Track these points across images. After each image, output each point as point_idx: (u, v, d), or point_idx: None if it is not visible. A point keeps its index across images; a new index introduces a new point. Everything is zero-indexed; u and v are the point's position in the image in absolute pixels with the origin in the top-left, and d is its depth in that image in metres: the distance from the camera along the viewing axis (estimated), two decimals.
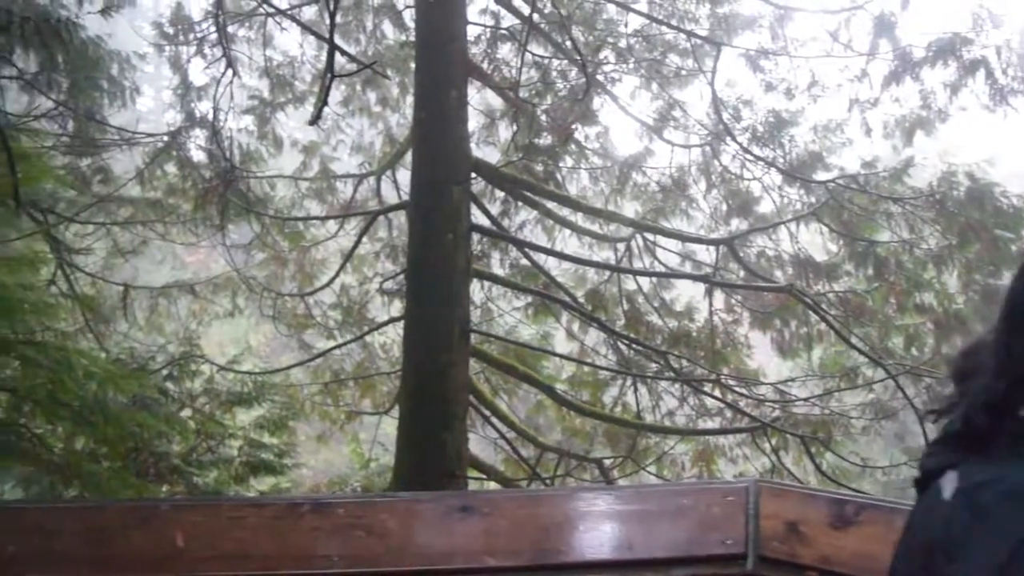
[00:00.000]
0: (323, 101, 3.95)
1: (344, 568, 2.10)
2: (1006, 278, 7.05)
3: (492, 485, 6.88)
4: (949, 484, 1.02)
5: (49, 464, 4.77)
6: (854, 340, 6.76)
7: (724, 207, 7.93)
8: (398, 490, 5.80)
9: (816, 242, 7.65)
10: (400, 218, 8.03)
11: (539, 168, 7.33)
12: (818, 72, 7.62)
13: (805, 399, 6.76)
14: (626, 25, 7.84)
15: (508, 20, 7.71)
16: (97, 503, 3.32)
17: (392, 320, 7.28)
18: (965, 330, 6.82)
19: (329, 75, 3.78)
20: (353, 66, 6.39)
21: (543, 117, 7.56)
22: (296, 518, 2.15)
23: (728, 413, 6.95)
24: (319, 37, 6.09)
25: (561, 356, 7.57)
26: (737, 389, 6.91)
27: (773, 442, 6.67)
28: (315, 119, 4.25)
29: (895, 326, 7.00)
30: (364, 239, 7.76)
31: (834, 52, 7.41)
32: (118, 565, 2.01)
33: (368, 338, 8.11)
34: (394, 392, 7.59)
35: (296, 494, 7.25)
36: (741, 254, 7.13)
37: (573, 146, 7.92)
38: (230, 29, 7.68)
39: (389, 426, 7.94)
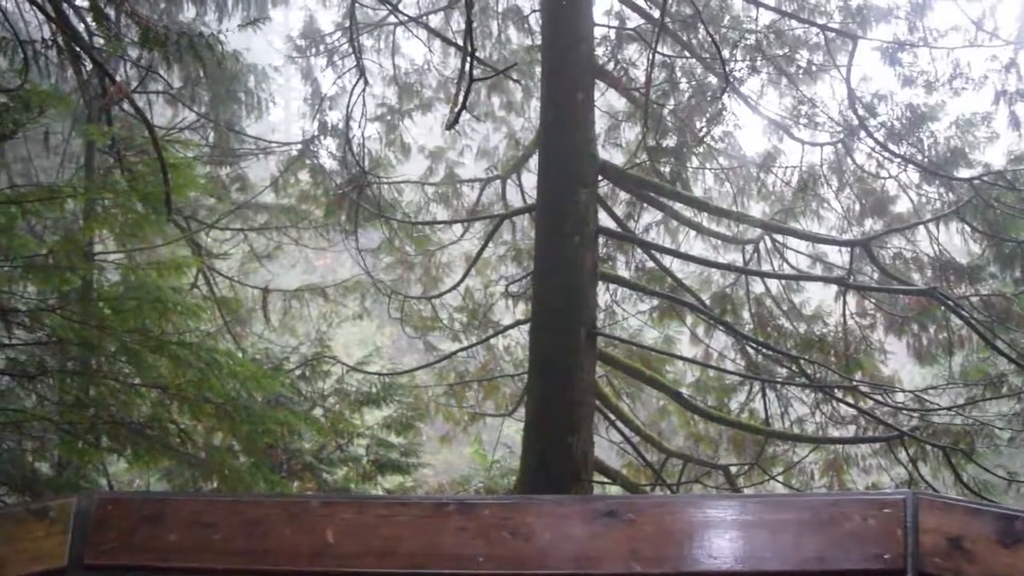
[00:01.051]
0: (461, 106, 4.04)
1: (490, 569, 2.14)
2: None
3: (616, 489, 6.86)
4: None
5: (192, 458, 5.04)
6: (1000, 345, 6.38)
7: (857, 207, 7.64)
8: (523, 492, 5.85)
9: (956, 243, 7.27)
10: (524, 221, 8.11)
11: (665, 169, 7.25)
12: (961, 63, 7.25)
13: (947, 408, 6.42)
14: (755, 21, 7.67)
15: (634, 20, 7.68)
16: (252, 498, 3.49)
17: (517, 323, 7.36)
18: None
19: (466, 81, 3.85)
20: (485, 71, 6.49)
21: (669, 117, 7.49)
22: (443, 517, 2.21)
23: (862, 421, 6.68)
24: (452, 44, 6.23)
25: (688, 360, 7.46)
26: (872, 396, 6.63)
27: (910, 452, 6.37)
28: (452, 124, 4.35)
29: None
30: (489, 243, 7.87)
31: (978, 41, 7.05)
32: (271, 558, 2.11)
33: (492, 341, 8.22)
34: (517, 394, 7.66)
35: (445, 494, 7.40)
36: (876, 256, 6.84)
37: (700, 146, 7.80)
38: (360, 39, 7.94)
39: (511, 428, 8.03)
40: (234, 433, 5.16)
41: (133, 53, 5.87)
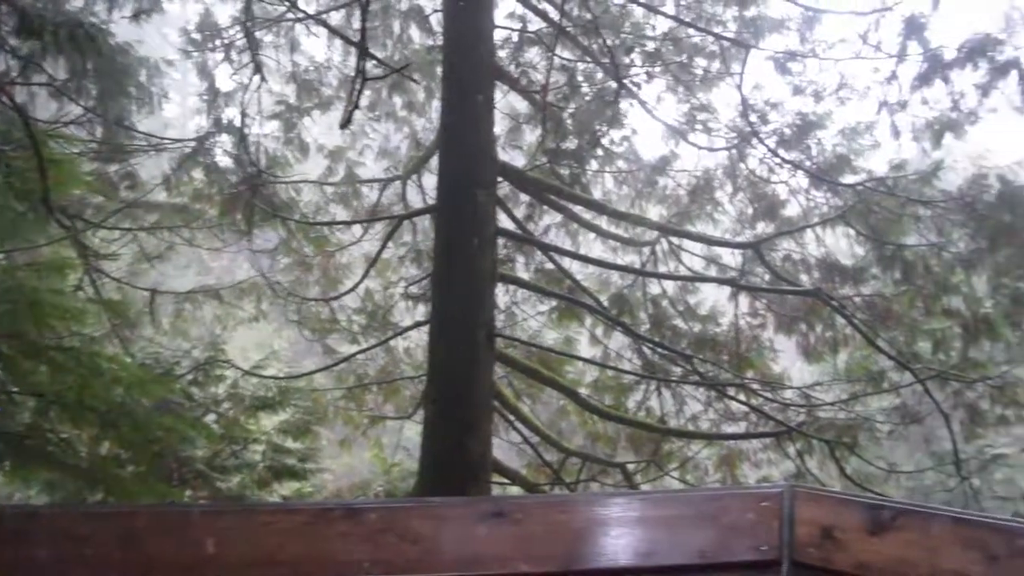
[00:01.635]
0: (354, 105, 3.98)
1: (377, 574, 2.10)
2: None
3: (515, 490, 6.88)
4: None
5: (75, 469, 4.81)
6: (881, 344, 6.69)
7: (750, 210, 7.88)
8: (422, 495, 5.80)
9: (842, 246, 7.58)
10: (425, 222, 8.06)
11: (564, 172, 7.32)
12: (847, 74, 7.56)
13: (831, 403, 6.69)
14: (654, 28, 7.83)
15: (535, 24, 7.72)
16: (128, 508, 3.34)
17: (417, 324, 7.30)
18: (993, 334, 6.73)
19: (360, 79, 3.79)
20: (382, 70, 6.41)
21: (569, 121, 7.56)
22: (327, 523, 2.15)
23: (752, 417, 6.90)
24: (348, 42, 6.14)
25: (585, 360, 7.55)
26: (762, 393, 6.85)
27: (798, 446, 6.62)
28: (345, 123, 4.27)
29: (922, 330, 6.92)
30: (389, 244, 7.78)
31: (863, 54, 7.34)
32: (149, 571, 2.02)
33: (392, 343, 8.13)
34: (417, 397, 7.60)
35: (327, 499, 7.27)
36: (767, 258, 7.08)
37: (599, 150, 7.91)
38: (257, 35, 7.75)
39: (412, 431, 7.96)
40: (120, 442, 4.95)
41: (14, 43, 5.56)
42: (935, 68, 7.19)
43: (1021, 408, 6.80)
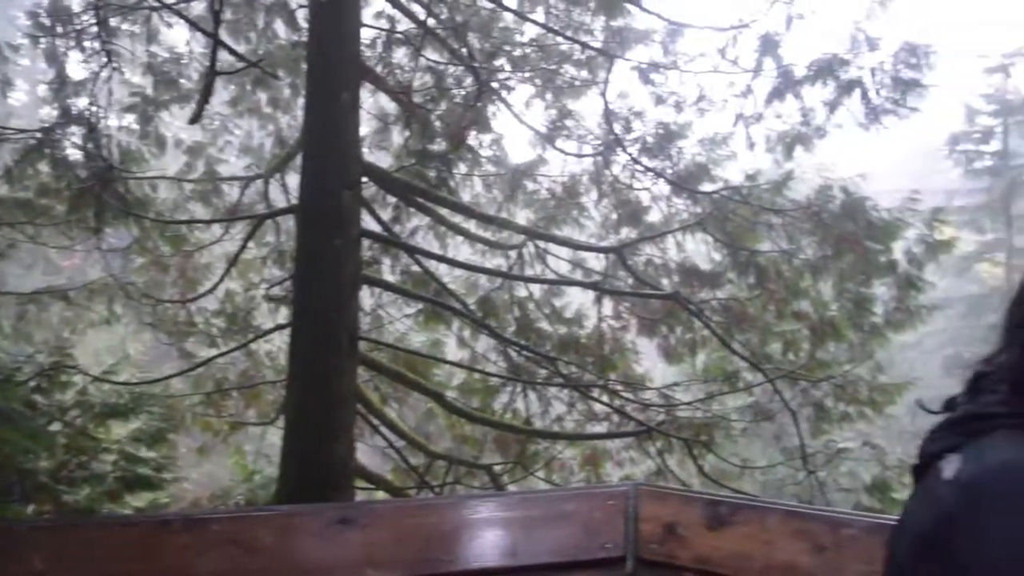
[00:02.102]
0: (204, 99, 3.81)
1: None
2: (876, 287, 7.42)
3: (381, 495, 6.79)
4: (951, 465, 1.03)
5: None
6: (735, 346, 6.98)
7: (614, 216, 8.06)
8: (283, 503, 5.65)
9: (701, 251, 7.86)
10: (289, 223, 7.83)
11: (432, 174, 7.29)
12: (706, 87, 7.82)
13: (688, 403, 6.94)
14: (522, 34, 7.90)
15: (404, 24, 7.65)
16: None
17: (278, 327, 7.10)
18: (838, 335, 7.14)
19: (212, 72, 3.65)
20: (237, 64, 6.20)
21: (437, 123, 7.53)
22: (167, 535, 2.05)
23: (615, 417, 7.06)
24: (203, 32, 5.90)
25: (450, 363, 7.54)
26: (624, 394, 7.02)
27: (658, 445, 6.82)
28: (196, 117, 4.10)
29: (774, 332, 7.27)
30: (250, 244, 7.53)
31: (721, 68, 7.63)
32: None
33: (253, 346, 7.87)
34: (280, 401, 7.40)
35: (170, 511, 6.97)
36: (630, 262, 7.27)
37: (467, 153, 7.92)
38: (112, 22, 7.36)
39: (275, 437, 7.73)
40: None
41: None
42: (787, 84, 7.57)
43: (862, 405, 7.24)
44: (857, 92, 7.45)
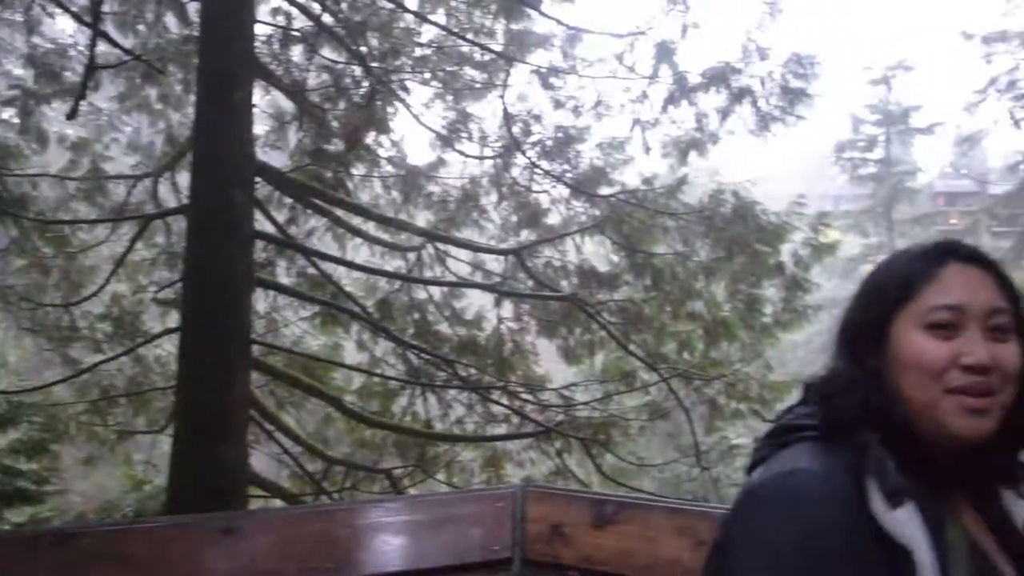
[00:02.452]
0: (81, 93, 3.66)
1: None
2: (766, 288, 7.69)
3: (277, 503, 6.64)
4: (756, 474, 1.13)
5: None
6: (632, 347, 7.12)
7: (514, 218, 8.11)
8: (172, 513, 5.46)
9: (600, 253, 7.98)
10: (179, 223, 7.57)
11: (329, 175, 7.17)
12: (604, 92, 7.95)
13: (586, 403, 7.03)
14: (420, 35, 7.86)
15: (301, 21, 7.51)
16: None
17: (168, 331, 6.85)
18: (730, 335, 7.36)
19: (91, 65, 3.50)
20: (120, 57, 5.97)
21: (334, 123, 7.41)
22: (37, 552, 1.96)
23: (515, 419, 7.09)
24: (83, 23, 5.64)
25: (348, 367, 7.43)
26: (523, 395, 7.07)
27: (557, 445, 6.89)
28: (73, 112, 3.92)
29: (669, 332, 7.44)
30: (138, 245, 7.25)
31: (619, 74, 7.78)
32: None
33: (142, 351, 7.56)
34: (170, 409, 7.14)
35: (42, 526, 6.63)
36: (529, 264, 7.32)
37: (365, 154, 7.82)
38: None
39: (166, 445, 7.45)
40: None
41: None
42: (682, 91, 7.77)
43: (753, 402, 7.47)
44: (748, 100, 7.70)
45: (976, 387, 1.06)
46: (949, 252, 1.15)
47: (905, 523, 1.01)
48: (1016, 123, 11.69)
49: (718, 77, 7.69)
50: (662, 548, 2.04)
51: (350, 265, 6.84)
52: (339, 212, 7.09)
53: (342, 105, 7.53)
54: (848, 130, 30.45)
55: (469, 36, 7.84)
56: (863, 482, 1.04)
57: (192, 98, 8.16)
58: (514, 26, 8.02)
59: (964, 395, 1.07)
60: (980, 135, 16.52)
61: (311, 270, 7.18)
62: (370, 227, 7.60)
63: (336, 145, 7.19)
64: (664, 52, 7.65)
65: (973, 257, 1.15)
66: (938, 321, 1.10)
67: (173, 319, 7.23)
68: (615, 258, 7.78)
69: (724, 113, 7.81)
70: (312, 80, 7.49)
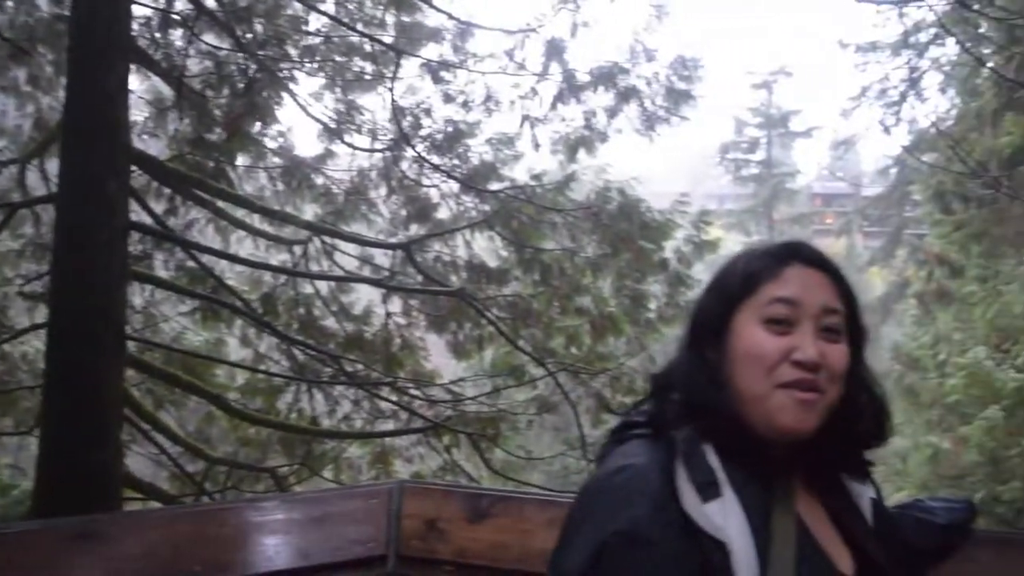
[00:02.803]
0: None
1: None
2: (651, 284, 7.89)
3: (155, 505, 6.40)
4: (591, 474, 1.18)
5: None
6: (521, 341, 7.18)
7: (404, 213, 8.04)
8: (40, 517, 5.18)
9: (489, 249, 8.01)
10: (49, 213, 7.18)
11: (211, 165, 6.94)
12: (494, 87, 7.97)
13: (473, 398, 7.06)
14: (307, 23, 7.69)
15: (182, 3, 7.23)
16: None
17: (35, 327, 6.50)
18: (616, 330, 7.51)
19: None
20: None
21: (217, 111, 7.17)
22: None
23: (403, 414, 7.05)
24: None
25: (230, 363, 7.22)
26: (412, 391, 7.03)
27: (446, 441, 6.89)
28: None
29: (557, 327, 7.53)
30: (4, 235, 6.86)
31: (509, 70, 7.82)
32: None
33: (7, 348, 7.15)
34: (38, 409, 6.77)
35: None
36: (418, 259, 7.28)
37: (250, 144, 7.60)
38: None
39: (35, 447, 7.06)
40: None
41: None
42: (571, 89, 7.88)
43: (637, 396, 7.64)
44: (635, 100, 7.88)
45: (804, 383, 1.11)
46: (793, 253, 1.20)
47: (717, 516, 1.03)
48: (886, 129, 12.38)
49: (606, 76, 7.83)
50: (535, 540, 2.06)
51: (232, 259, 6.64)
52: (221, 204, 6.86)
53: (225, 93, 7.29)
54: (732, 132, 31.62)
55: (359, 27, 7.72)
56: (674, 477, 1.07)
57: (64, 81, 7.77)
58: (405, 18, 7.95)
59: (793, 389, 1.11)
60: (854, 139, 17.44)
61: (191, 263, 6.93)
62: (255, 220, 7.40)
63: (218, 134, 6.96)
64: (554, 50, 7.74)
65: (815, 260, 1.20)
66: (774, 315, 1.14)
67: (41, 314, 6.85)
68: (504, 253, 7.82)
69: (612, 112, 7.97)
70: (194, 66, 7.23)
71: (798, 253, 1.20)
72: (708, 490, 1.05)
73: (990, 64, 10.31)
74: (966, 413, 10.78)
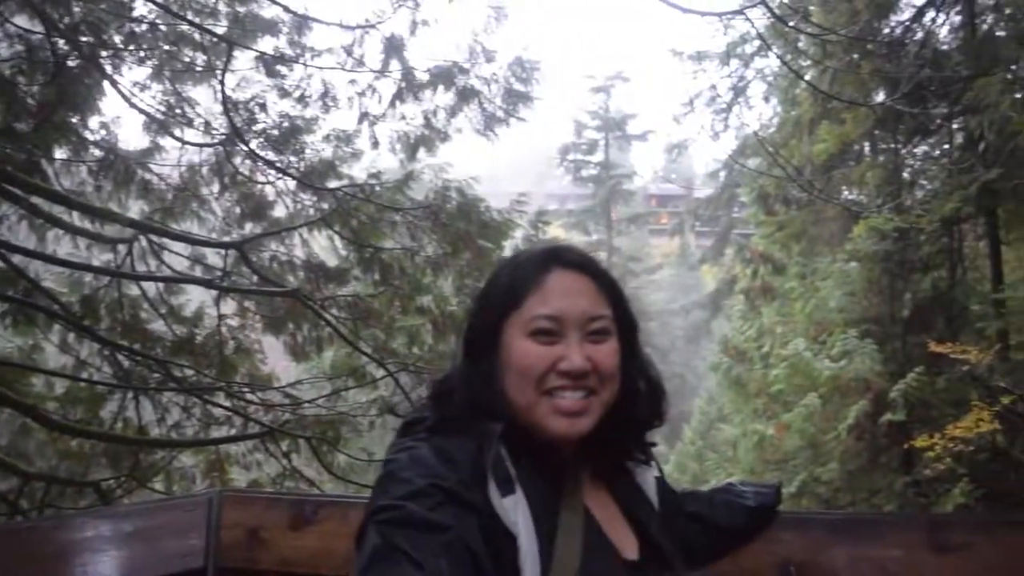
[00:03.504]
0: None
1: None
2: None
3: None
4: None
5: None
6: (362, 342, 7.09)
7: (237, 210, 7.77)
8: None
9: (328, 248, 7.86)
10: None
11: (23, 157, 6.43)
12: (332, 83, 7.83)
13: (310, 401, 6.90)
14: (132, 9, 7.27)
15: None
16: None
17: None
18: (458, 329, 7.54)
19: None
20: None
21: (30, 100, 6.66)
22: None
23: (239, 420, 6.80)
24: None
25: (44, 371, 6.70)
26: (246, 396, 6.79)
27: (284, 446, 6.70)
28: None
29: (398, 327, 7.48)
30: None
31: (347, 66, 7.69)
32: None
33: None
34: None
35: None
36: (253, 259, 7.05)
37: (70, 136, 7.10)
38: None
39: None
40: None
41: None
42: (411, 87, 7.86)
43: None
44: (475, 100, 7.96)
45: (572, 389, 1.16)
46: (554, 259, 1.23)
47: (511, 511, 1.07)
48: (715, 134, 13.08)
49: (445, 75, 7.87)
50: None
51: (47, 259, 6.19)
52: (35, 199, 6.38)
53: (39, 80, 6.78)
54: (572, 134, 32.53)
55: (189, 15, 7.37)
56: (484, 471, 1.10)
57: None
58: (240, 8, 7.67)
59: (560, 399, 1.16)
60: (686, 143, 18.27)
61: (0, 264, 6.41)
62: (74, 217, 6.93)
63: (29, 125, 6.48)
64: (393, 47, 7.69)
65: (577, 264, 1.24)
66: (540, 328, 1.18)
67: None
68: (344, 253, 7.70)
69: (452, 111, 8.02)
70: (3, 50, 6.68)
71: (559, 258, 1.24)
72: (505, 486, 1.08)
73: (807, 76, 11.07)
74: (788, 401, 11.50)
